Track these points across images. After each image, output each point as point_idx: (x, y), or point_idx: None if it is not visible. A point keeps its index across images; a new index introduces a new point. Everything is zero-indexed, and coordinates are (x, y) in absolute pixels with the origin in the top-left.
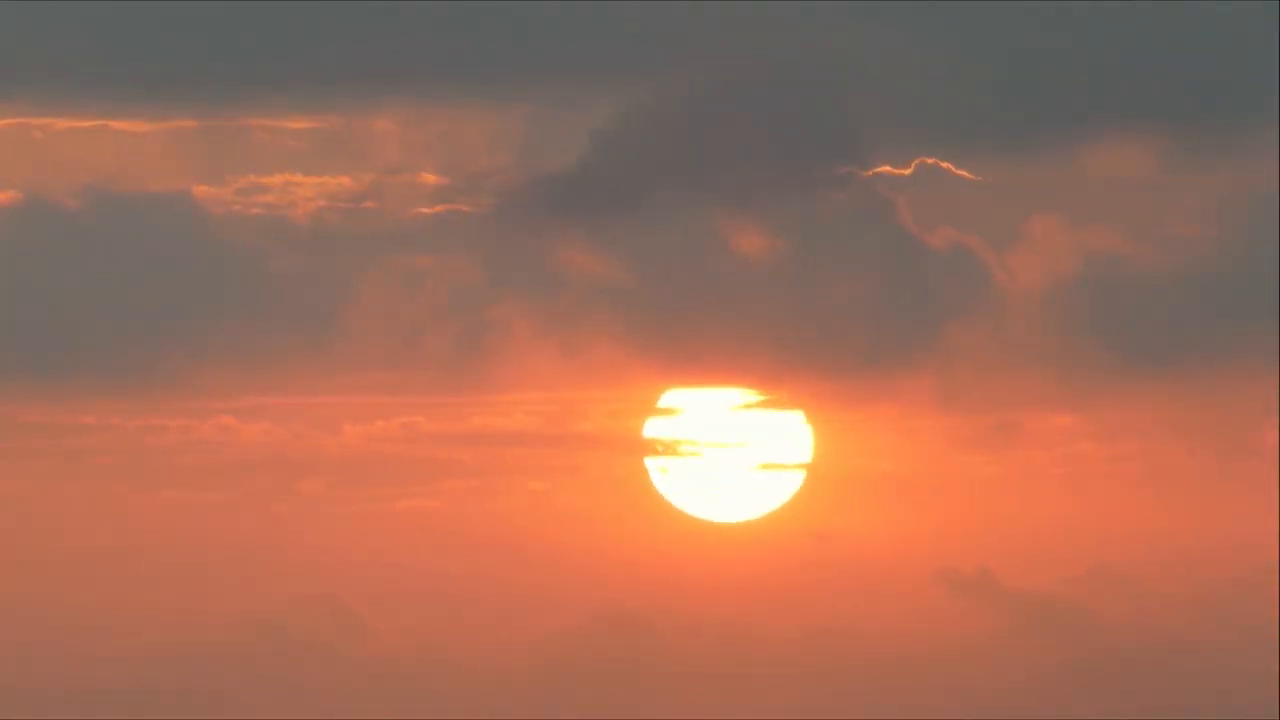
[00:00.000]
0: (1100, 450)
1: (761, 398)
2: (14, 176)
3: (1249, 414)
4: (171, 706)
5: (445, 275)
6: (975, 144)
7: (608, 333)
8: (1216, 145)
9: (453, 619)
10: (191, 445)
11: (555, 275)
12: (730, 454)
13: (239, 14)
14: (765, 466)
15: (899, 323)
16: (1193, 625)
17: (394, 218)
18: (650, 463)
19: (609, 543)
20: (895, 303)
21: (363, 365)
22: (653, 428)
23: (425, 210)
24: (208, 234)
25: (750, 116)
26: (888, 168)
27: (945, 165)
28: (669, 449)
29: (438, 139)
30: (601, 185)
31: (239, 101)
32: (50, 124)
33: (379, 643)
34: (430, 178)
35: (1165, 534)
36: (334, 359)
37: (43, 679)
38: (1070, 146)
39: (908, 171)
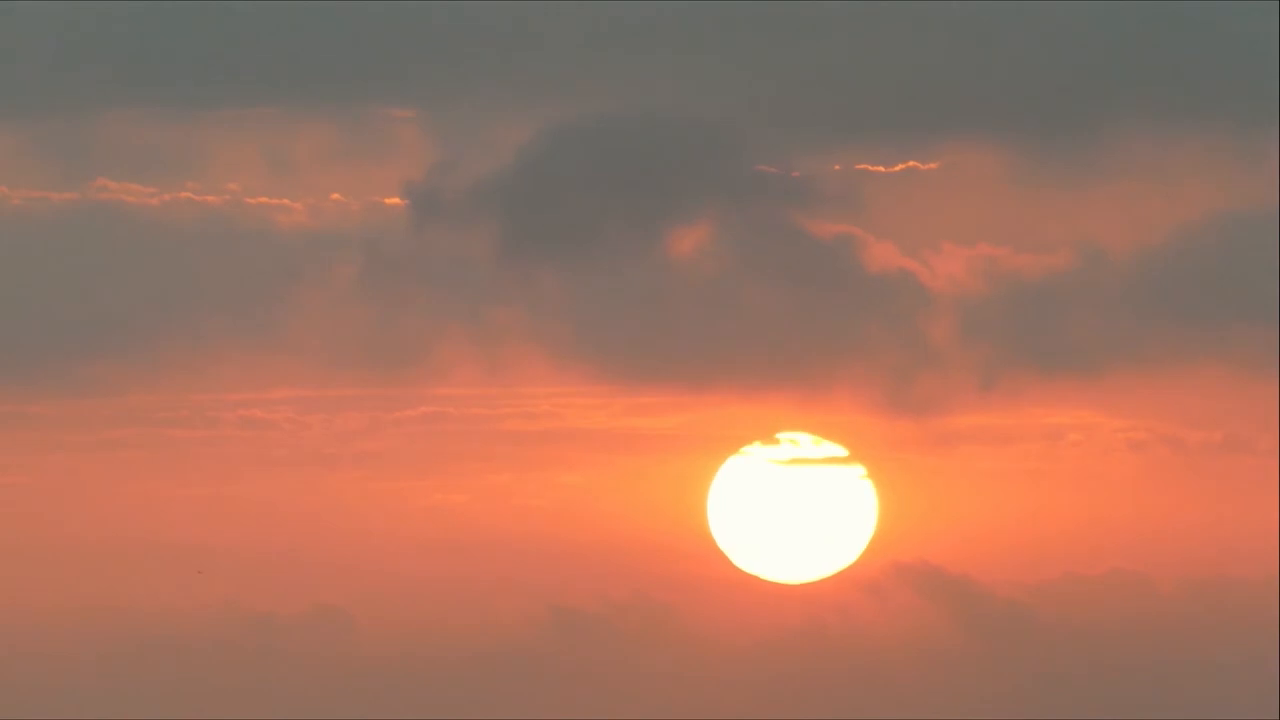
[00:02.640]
0: (1097, 450)
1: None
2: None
3: (1249, 413)
4: (197, 701)
5: (443, 272)
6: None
7: (631, 333)
8: (1216, 145)
9: (479, 612)
10: (216, 439)
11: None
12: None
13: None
14: (796, 461)
15: (888, 324)
16: (1193, 625)
17: (379, 218)
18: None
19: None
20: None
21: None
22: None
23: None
24: (208, 234)
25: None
26: (915, 163)
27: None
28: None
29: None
30: (586, 189)
31: (208, 100)
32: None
33: (399, 636)
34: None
35: (1167, 533)
36: (350, 354)
37: (51, 674)
38: (1071, 140)
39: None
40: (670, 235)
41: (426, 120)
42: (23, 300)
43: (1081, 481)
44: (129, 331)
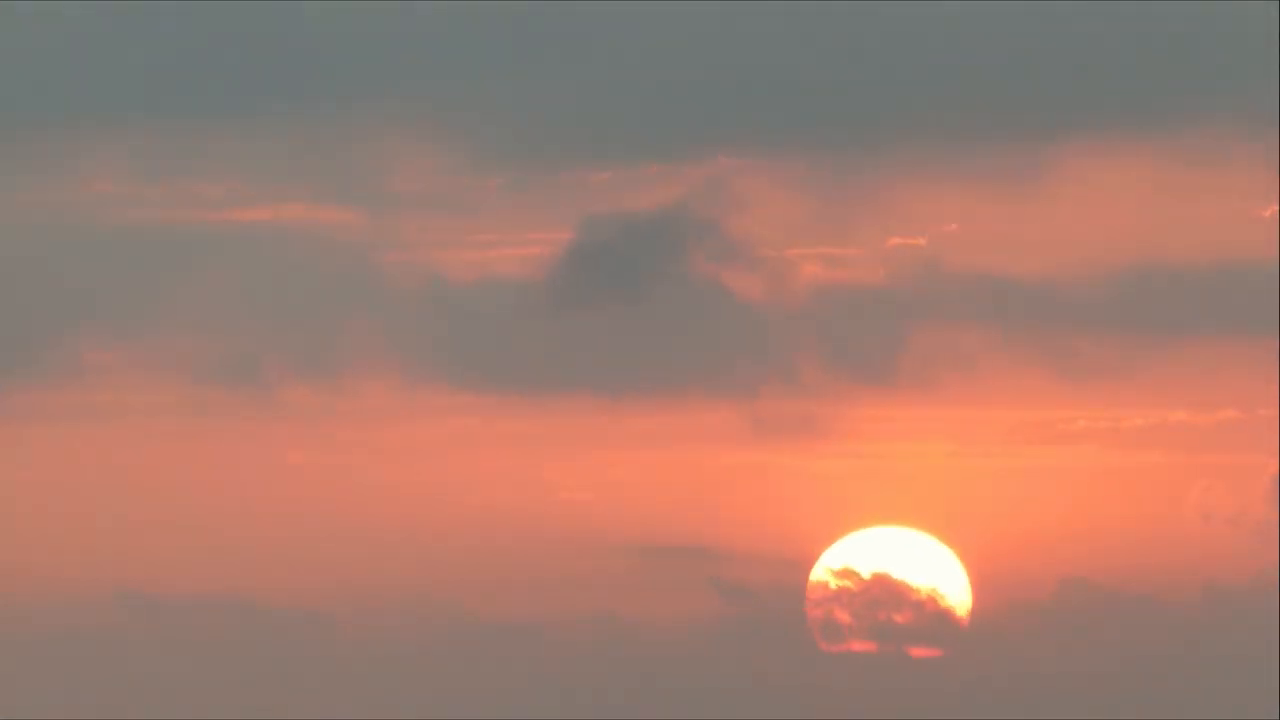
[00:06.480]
0: (1089, 451)
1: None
2: None
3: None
4: (232, 697)
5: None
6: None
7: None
8: (1211, 149)
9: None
10: (250, 434)
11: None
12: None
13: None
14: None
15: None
16: (1193, 625)
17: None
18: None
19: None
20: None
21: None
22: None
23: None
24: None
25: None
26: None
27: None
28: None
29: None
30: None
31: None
32: None
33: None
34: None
35: (1169, 534)
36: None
37: (54, 668)
38: (1057, 146)
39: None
40: None
41: (422, 121)
42: (40, 294)
43: (1086, 483)
44: (201, 322)
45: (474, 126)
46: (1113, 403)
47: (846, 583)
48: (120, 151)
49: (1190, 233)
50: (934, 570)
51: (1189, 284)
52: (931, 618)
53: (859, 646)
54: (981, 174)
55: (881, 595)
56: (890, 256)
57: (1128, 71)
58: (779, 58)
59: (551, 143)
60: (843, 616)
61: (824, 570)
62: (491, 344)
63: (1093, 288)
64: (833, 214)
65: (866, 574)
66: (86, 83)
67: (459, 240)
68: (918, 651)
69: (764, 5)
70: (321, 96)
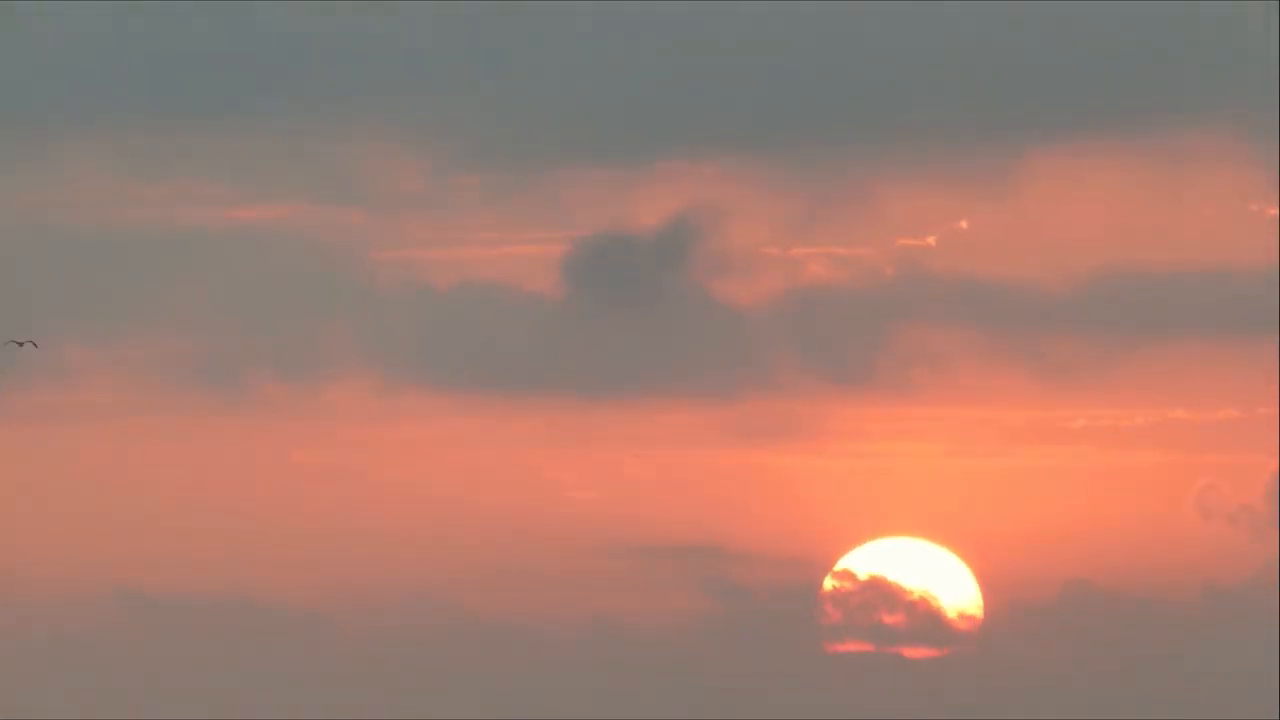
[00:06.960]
0: (1089, 454)
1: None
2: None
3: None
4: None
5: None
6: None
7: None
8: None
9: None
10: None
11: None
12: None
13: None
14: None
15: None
16: (1193, 626)
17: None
18: None
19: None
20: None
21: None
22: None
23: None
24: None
25: None
26: None
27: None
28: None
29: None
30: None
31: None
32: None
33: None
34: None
35: (1169, 534)
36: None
37: (64, 663)
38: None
39: None
40: None
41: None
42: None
43: (1081, 485)
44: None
45: (471, 127)
46: (1112, 403)
47: (849, 585)
48: (119, 151)
49: (1191, 233)
50: (942, 576)
51: (1189, 284)
52: (940, 622)
53: (864, 648)
54: (984, 175)
55: (886, 599)
56: (895, 257)
57: (1129, 72)
58: (779, 58)
59: (550, 143)
60: (853, 619)
61: (833, 576)
62: (492, 345)
63: (1093, 289)
64: (832, 214)
65: (874, 578)
66: (86, 82)
67: (459, 240)
68: (922, 653)
69: (765, 7)
70: (321, 96)
